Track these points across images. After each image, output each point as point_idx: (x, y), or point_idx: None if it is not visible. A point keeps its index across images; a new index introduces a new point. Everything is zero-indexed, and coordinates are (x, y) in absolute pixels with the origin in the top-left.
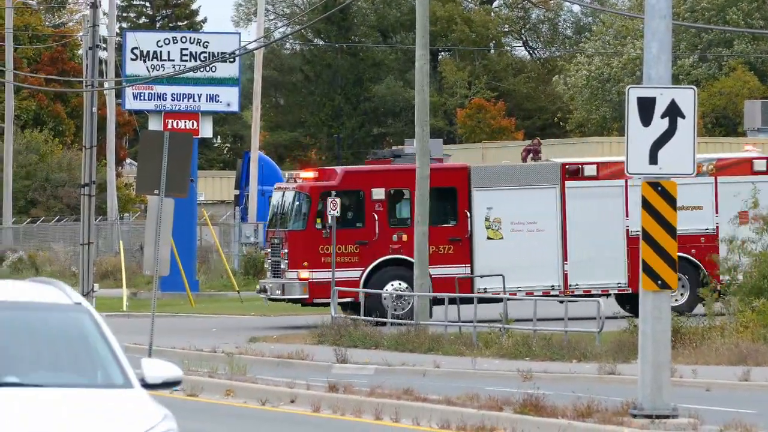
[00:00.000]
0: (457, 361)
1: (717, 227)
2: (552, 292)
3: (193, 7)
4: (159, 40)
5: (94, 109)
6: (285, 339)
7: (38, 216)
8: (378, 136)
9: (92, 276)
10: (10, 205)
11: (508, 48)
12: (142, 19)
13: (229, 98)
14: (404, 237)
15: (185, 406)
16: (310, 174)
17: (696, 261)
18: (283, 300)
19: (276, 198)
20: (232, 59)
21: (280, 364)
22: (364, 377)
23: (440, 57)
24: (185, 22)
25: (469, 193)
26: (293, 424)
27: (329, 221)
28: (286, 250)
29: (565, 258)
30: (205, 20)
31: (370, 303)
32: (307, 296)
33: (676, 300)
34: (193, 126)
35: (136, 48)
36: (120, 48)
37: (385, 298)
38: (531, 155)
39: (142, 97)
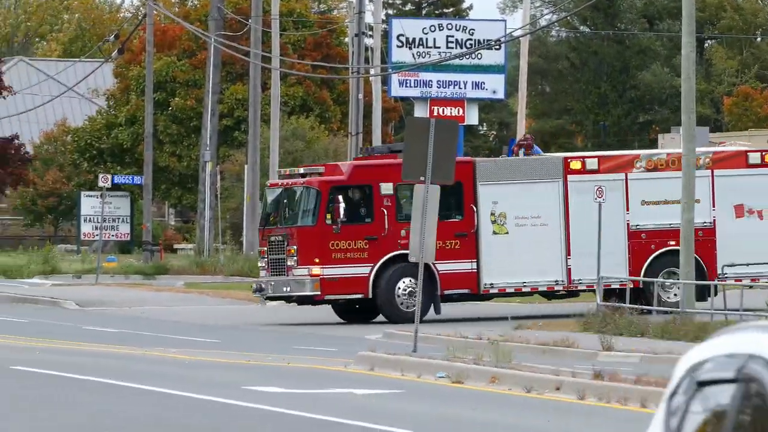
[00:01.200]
0: None
1: (714, 221)
2: (556, 287)
3: None
4: (425, 27)
5: (360, 96)
6: (549, 326)
7: None
8: (644, 123)
9: None
10: None
11: None
12: (408, 6)
13: (494, 85)
14: None
15: (451, 392)
16: (318, 169)
17: (695, 255)
18: (289, 298)
19: (273, 195)
20: (497, 46)
21: (545, 351)
22: (629, 365)
23: (706, 44)
24: (451, 9)
25: (475, 188)
26: (558, 411)
27: (340, 216)
28: (294, 247)
29: (568, 253)
30: (470, 7)
31: (638, 291)
32: (318, 293)
33: (674, 296)
34: (458, 113)
35: (402, 35)
36: (386, 35)
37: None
38: (523, 150)
39: (408, 84)
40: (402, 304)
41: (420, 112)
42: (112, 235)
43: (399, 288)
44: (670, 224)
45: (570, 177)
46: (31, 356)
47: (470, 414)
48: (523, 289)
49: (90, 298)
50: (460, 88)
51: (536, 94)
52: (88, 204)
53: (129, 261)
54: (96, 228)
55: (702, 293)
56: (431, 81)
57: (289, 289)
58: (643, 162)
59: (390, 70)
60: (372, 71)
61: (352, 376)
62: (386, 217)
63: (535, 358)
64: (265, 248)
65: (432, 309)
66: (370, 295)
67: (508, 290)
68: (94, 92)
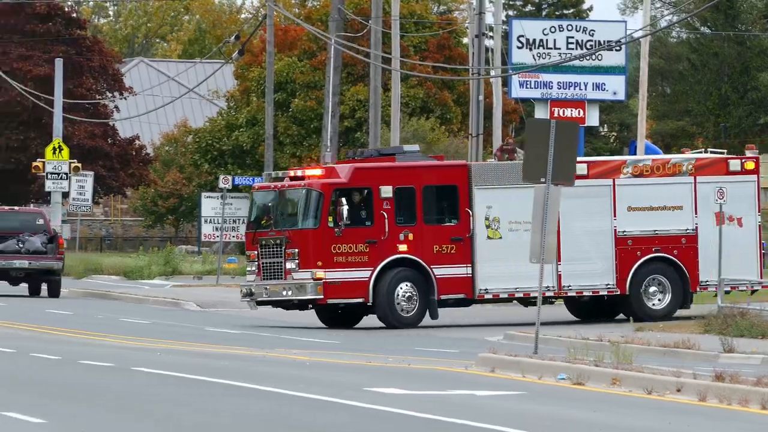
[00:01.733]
0: None
1: (696, 227)
2: (547, 293)
3: None
4: (545, 28)
5: (481, 97)
6: (670, 328)
7: None
8: (765, 125)
9: None
10: None
11: None
12: (528, 7)
13: (615, 87)
14: (410, 236)
15: (572, 394)
16: (316, 171)
17: (678, 262)
18: (288, 302)
19: (265, 198)
20: (618, 47)
21: (665, 353)
22: (750, 367)
23: None
24: (571, 11)
25: (470, 192)
26: (679, 413)
27: (343, 218)
28: (295, 250)
29: (558, 259)
30: (591, 8)
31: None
32: (321, 296)
33: (658, 301)
34: (579, 114)
35: (522, 36)
36: (506, 36)
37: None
38: (507, 155)
39: (528, 86)
40: (402, 309)
41: (540, 113)
42: (233, 237)
43: (398, 293)
44: (655, 231)
45: None
46: (152, 357)
47: (591, 416)
48: (516, 295)
49: (211, 299)
50: (580, 89)
51: (657, 96)
52: (209, 205)
53: None
54: (216, 229)
55: (685, 300)
56: (551, 82)
57: (290, 293)
58: (630, 168)
59: (510, 71)
60: (492, 72)
61: (473, 377)
62: (386, 220)
63: (656, 359)
64: (255, 252)
65: (428, 314)
66: (370, 300)
67: (501, 296)
68: (214, 93)
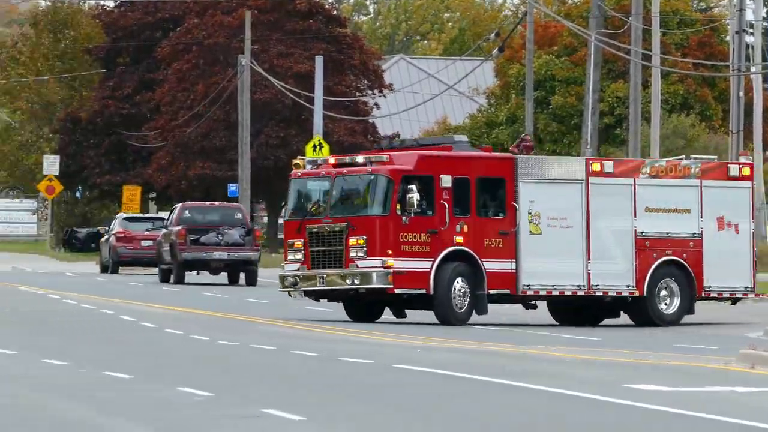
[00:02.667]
0: None
1: (702, 231)
2: (578, 293)
3: None
4: None
5: (741, 94)
6: None
7: None
8: None
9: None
10: None
11: None
12: None
13: None
14: (465, 228)
15: None
16: (383, 158)
17: (687, 266)
18: (352, 291)
19: (314, 185)
20: None
21: None
22: None
23: None
24: None
25: (516, 185)
26: None
27: (414, 206)
28: (363, 237)
29: (588, 257)
30: None
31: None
32: (391, 285)
33: (666, 305)
34: None
35: None
36: (766, 32)
37: None
38: (524, 153)
39: None
40: (456, 305)
41: None
42: None
43: (455, 288)
44: (668, 233)
45: (592, 179)
46: (411, 354)
47: None
48: (553, 293)
49: None
50: None
51: None
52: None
53: None
54: None
55: (690, 305)
56: None
57: (356, 281)
58: (648, 168)
59: None
60: (752, 69)
61: (733, 374)
62: (447, 210)
63: None
64: (302, 240)
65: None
66: (432, 291)
67: (541, 293)
68: (474, 90)
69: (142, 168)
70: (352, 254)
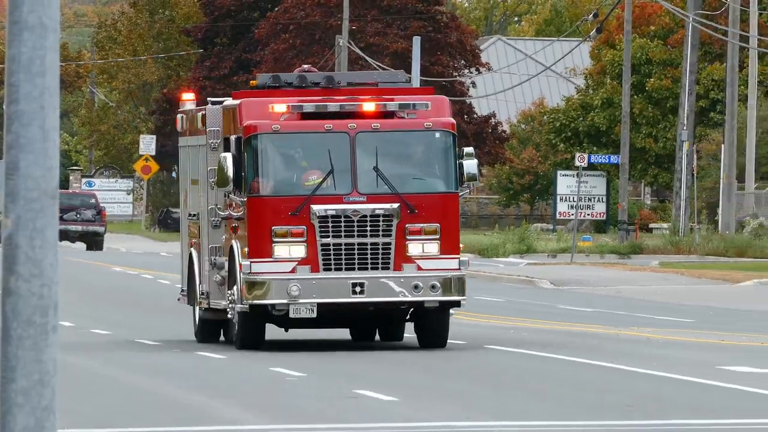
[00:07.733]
0: None
1: None
2: None
3: None
4: None
5: None
6: None
7: None
8: None
9: None
10: (752, 169)
11: None
12: None
13: None
14: None
15: None
16: (426, 104)
17: None
18: (411, 304)
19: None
20: None
21: None
22: None
23: None
24: None
25: None
26: None
27: (475, 179)
28: (436, 225)
29: None
30: None
31: None
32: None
33: None
34: None
35: None
36: None
37: None
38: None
39: None
40: None
41: None
42: (588, 215)
43: None
44: None
45: None
46: (504, 335)
47: None
48: None
49: (565, 277)
50: None
51: None
52: (564, 183)
53: (604, 240)
54: (571, 207)
55: None
56: None
57: (424, 290)
58: None
59: None
60: None
61: None
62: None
63: None
64: (302, 228)
65: None
66: None
67: None
68: (571, 71)
69: None
70: (413, 251)
